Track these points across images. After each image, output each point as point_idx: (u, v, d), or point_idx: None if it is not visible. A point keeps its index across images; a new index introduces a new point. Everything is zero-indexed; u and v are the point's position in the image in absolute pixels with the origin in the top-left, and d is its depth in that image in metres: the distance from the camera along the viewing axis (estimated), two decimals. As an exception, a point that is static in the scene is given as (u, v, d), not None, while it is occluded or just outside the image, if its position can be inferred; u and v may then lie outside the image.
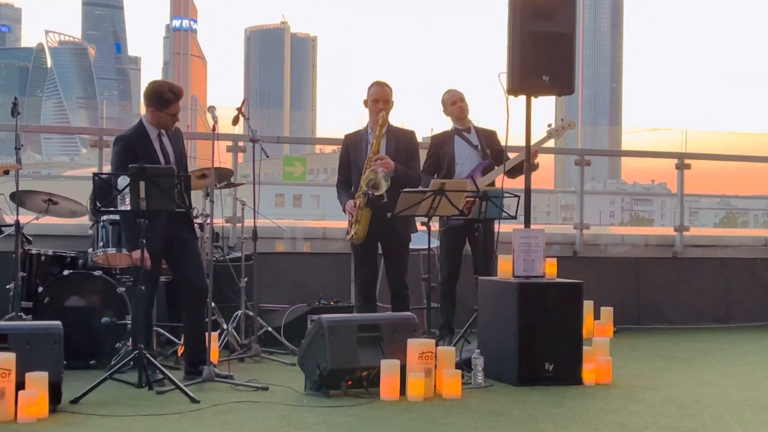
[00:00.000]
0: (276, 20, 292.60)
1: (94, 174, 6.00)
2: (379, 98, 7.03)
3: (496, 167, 7.76)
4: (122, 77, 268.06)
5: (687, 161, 10.64)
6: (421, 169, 7.70)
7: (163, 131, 6.35)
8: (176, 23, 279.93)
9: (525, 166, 7.11)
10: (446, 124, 8.03)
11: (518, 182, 7.84)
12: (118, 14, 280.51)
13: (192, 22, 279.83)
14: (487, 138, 7.85)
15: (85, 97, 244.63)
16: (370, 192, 6.81)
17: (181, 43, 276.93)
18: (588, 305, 7.75)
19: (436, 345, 6.09)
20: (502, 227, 7.75)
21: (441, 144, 7.89)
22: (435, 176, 7.73)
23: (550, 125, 7.78)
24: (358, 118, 7.45)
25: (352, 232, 6.95)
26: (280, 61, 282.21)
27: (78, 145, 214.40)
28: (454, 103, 7.87)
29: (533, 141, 7.29)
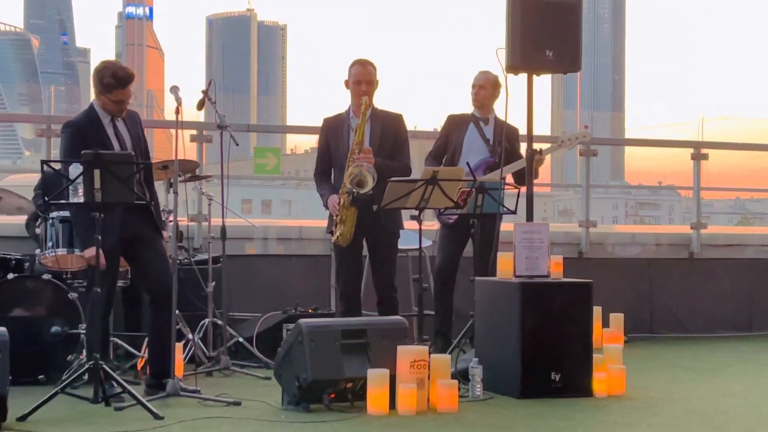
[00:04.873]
0: (241, 7, 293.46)
1: (43, 161, 5.92)
2: (362, 79, 6.97)
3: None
4: (70, 71, 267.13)
5: (704, 151, 10.64)
6: (430, 150, 7.73)
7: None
8: (130, 10, 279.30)
9: (527, 152, 7.08)
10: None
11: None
12: (64, 1, 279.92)
13: (147, 10, 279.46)
14: (506, 135, 7.67)
15: (28, 94, 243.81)
16: (354, 190, 6.75)
17: (135, 32, 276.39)
18: (596, 311, 7.71)
19: (429, 353, 6.03)
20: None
21: (455, 127, 7.90)
22: (443, 159, 7.76)
23: (564, 132, 7.76)
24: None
25: (337, 234, 6.89)
26: (246, 52, 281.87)
27: (20, 147, 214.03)
28: (473, 87, 7.92)
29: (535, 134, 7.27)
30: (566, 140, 7.82)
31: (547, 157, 7.85)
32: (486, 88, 7.84)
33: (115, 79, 6.17)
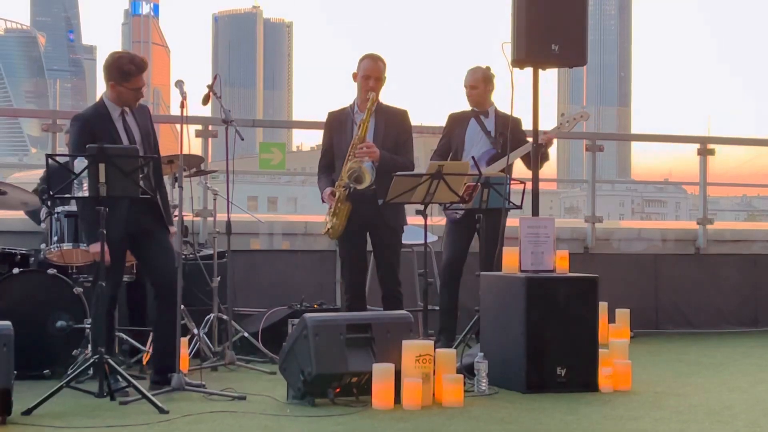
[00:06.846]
0: (247, 4, 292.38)
1: (47, 155, 5.91)
2: (371, 75, 6.94)
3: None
4: (76, 68, 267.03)
5: (710, 146, 10.60)
6: (434, 150, 7.71)
7: (127, 109, 6.28)
8: (136, 8, 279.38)
9: (532, 147, 7.06)
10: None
11: (525, 170, 7.80)
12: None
13: (153, 7, 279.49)
14: (507, 126, 7.62)
15: (34, 91, 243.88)
16: (351, 185, 6.72)
17: (141, 30, 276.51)
18: (602, 307, 7.69)
19: (435, 347, 6.02)
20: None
21: (456, 124, 7.92)
22: (448, 157, 7.72)
23: (563, 114, 7.72)
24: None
25: (329, 226, 6.86)
26: (252, 49, 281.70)
27: (27, 144, 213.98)
28: (465, 88, 7.93)
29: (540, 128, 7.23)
30: (565, 123, 7.75)
31: (553, 149, 7.83)
32: (477, 87, 7.85)
33: (134, 65, 6.22)
